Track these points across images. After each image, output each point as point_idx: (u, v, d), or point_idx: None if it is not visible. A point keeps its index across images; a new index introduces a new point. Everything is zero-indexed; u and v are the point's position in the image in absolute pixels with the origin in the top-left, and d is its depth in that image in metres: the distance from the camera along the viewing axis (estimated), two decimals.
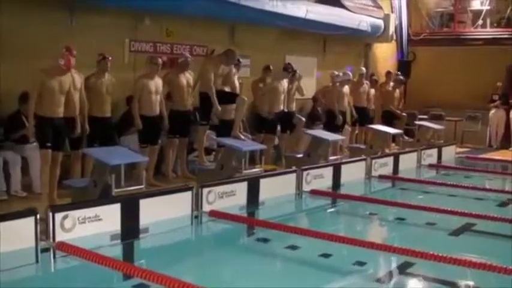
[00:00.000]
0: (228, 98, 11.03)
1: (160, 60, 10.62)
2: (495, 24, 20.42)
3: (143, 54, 11.90)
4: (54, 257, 6.53)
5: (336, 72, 14.69)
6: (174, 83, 10.99)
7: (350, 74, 14.97)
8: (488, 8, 20.43)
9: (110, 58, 9.83)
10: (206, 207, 8.28)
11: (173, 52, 12.89)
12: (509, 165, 15.29)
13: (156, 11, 11.82)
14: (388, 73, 16.91)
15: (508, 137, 18.34)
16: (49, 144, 8.74)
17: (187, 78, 11.13)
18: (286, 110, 13.15)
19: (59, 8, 10.61)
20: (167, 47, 12.84)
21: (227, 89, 11.12)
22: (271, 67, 13.07)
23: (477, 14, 20.71)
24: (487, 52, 19.29)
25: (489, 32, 20.28)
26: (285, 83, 12.89)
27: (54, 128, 8.70)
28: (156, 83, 10.43)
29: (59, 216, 6.63)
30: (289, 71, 12.90)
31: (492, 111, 18.55)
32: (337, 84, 14.56)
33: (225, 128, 11.15)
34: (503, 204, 10.20)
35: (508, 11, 19.98)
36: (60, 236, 6.60)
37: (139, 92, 10.28)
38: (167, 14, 12.13)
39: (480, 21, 20.44)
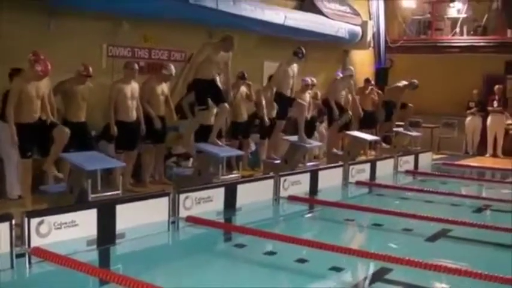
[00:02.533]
0: (215, 96, 10.51)
1: (136, 65, 10.57)
2: (472, 32, 20.57)
3: (121, 59, 11.84)
4: (29, 262, 6.45)
5: (307, 78, 14.63)
6: (153, 90, 10.95)
7: (352, 69, 15.09)
8: (465, 16, 20.58)
9: (91, 76, 9.82)
10: (183, 213, 8.26)
11: (151, 57, 12.87)
12: (485, 172, 15.43)
13: (135, 16, 11.80)
14: (367, 80, 16.97)
15: (484, 144, 18.48)
16: (30, 154, 8.70)
17: (163, 86, 11.13)
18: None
19: (37, 12, 10.55)
20: (145, 52, 12.81)
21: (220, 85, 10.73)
22: (245, 74, 13.01)
23: (454, 21, 20.87)
24: (463, 60, 19.45)
25: (466, 39, 20.42)
26: (295, 68, 12.56)
27: (33, 134, 8.68)
28: (132, 88, 10.37)
29: (34, 221, 6.58)
30: (299, 56, 12.43)
31: (468, 118, 18.67)
32: (338, 78, 14.67)
33: (203, 133, 11.07)
34: (479, 210, 10.28)
35: (484, 19, 20.15)
36: (36, 242, 6.55)
37: (115, 97, 10.23)
38: (145, 19, 12.11)
39: (457, 29, 20.60)
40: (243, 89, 12.91)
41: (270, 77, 13.53)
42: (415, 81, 16.02)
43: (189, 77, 10.23)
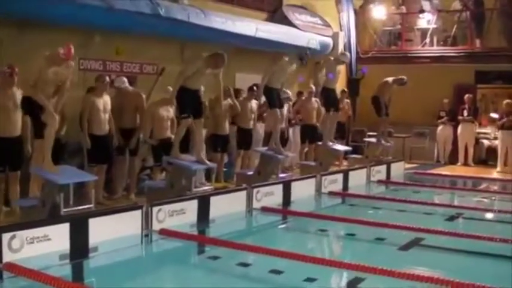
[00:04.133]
0: (195, 108, 10.24)
1: (107, 78, 10.53)
2: (441, 43, 20.81)
3: (92, 72, 11.80)
4: (1, 278, 6.39)
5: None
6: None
7: (348, 55, 15.08)
8: (435, 26, 20.79)
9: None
10: (156, 226, 8.23)
11: (123, 70, 12.85)
12: (456, 180, 15.55)
13: (106, 29, 11.78)
14: (344, 91, 17.12)
15: (455, 153, 18.63)
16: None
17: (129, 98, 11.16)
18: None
19: (9, 26, 10.53)
20: (117, 65, 12.80)
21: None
22: (231, 89, 13.07)
23: (424, 32, 21.07)
24: (434, 70, 19.66)
25: (436, 50, 20.65)
26: (293, 68, 12.45)
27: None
28: (105, 101, 10.32)
29: (6, 236, 6.52)
30: (303, 62, 12.48)
31: (440, 128, 18.83)
32: (332, 59, 14.71)
33: (162, 149, 10.95)
34: (451, 218, 10.34)
35: (454, 29, 20.36)
36: (8, 257, 6.50)
37: (88, 109, 10.18)
38: (117, 32, 12.09)
39: (427, 40, 20.79)
40: (228, 101, 12.87)
41: (251, 87, 13.58)
42: (404, 77, 15.79)
43: (176, 88, 10.00)
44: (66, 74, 8.35)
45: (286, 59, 12.21)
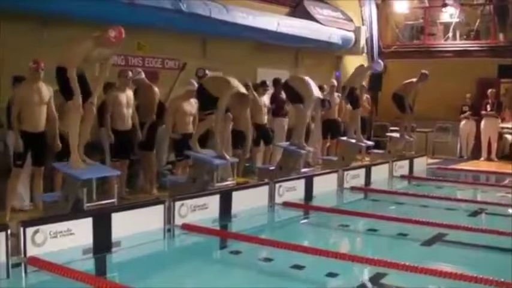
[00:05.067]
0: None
1: (130, 73, 10.58)
2: (464, 37, 20.69)
3: (115, 68, 11.81)
4: (25, 272, 6.44)
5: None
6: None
7: (381, 63, 15.06)
8: (458, 20, 20.67)
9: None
10: (178, 221, 8.24)
11: (145, 65, 12.88)
12: (480, 176, 15.45)
13: (128, 24, 11.78)
14: (362, 86, 17.00)
15: (478, 148, 18.52)
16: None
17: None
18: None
19: (32, 20, 10.59)
20: (139, 60, 12.83)
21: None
22: (250, 84, 13.03)
23: (447, 26, 20.96)
24: (456, 64, 19.53)
25: (459, 44, 20.53)
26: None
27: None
28: (128, 96, 10.37)
29: (30, 231, 6.55)
30: (323, 108, 12.58)
31: (462, 123, 18.73)
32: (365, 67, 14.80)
33: (184, 144, 10.97)
34: (474, 214, 10.28)
35: (477, 23, 20.23)
36: (32, 251, 6.53)
37: (111, 105, 10.22)
38: (139, 27, 12.11)
39: (450, 34, 20.68)
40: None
41: (263, 82, 13.55)
42: (425, 72, 15.24)
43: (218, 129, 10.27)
44: (110, 52, 8.27)
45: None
